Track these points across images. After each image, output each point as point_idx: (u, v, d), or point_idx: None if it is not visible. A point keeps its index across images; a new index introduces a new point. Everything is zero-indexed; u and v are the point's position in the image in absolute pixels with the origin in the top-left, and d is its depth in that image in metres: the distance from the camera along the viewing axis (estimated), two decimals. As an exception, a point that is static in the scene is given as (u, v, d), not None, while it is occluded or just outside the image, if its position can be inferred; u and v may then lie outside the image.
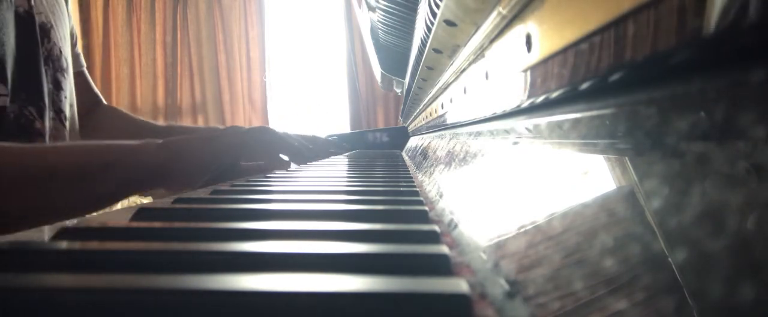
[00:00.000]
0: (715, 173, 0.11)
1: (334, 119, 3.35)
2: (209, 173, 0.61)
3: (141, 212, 0.29)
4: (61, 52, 0.78)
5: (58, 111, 0.76)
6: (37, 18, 0.73)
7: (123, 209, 0.33)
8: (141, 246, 0.21)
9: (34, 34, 0.72)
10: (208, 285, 0.15)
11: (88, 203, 0.54)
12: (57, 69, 0.77)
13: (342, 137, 1.63)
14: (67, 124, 0.78)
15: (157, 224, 0.27)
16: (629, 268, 0.13)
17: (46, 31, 0.75)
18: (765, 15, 0.10)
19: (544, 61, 0.22)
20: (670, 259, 0.12)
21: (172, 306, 0.15)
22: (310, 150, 0.81)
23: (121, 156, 0.57)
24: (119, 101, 3.13)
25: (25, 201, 0.50)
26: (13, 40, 0.68)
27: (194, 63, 3.25)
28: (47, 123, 0.72)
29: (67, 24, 0.84)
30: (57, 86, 0.76)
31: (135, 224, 0.27)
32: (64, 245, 0.21)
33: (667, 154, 0.13)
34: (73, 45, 0.89)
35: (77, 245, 0.21)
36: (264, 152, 0.67)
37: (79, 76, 0.91)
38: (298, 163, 0.78)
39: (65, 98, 0.78)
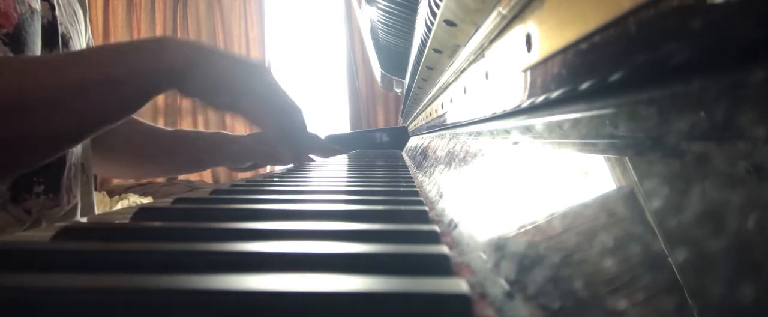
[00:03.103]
0: (715, 173, 0.11)
1: (334, 119, 3.35)
2: (229, 96, 0.59)
3: (141, 212, 0.29)
4: None
5: None
6: (59, 28, 0.75)
7: (123, 209, 0.33)
8: (141, 246, 0.21)
9: (56, 45, 0.74)
10: (209, 285, 0.15)
11: (114, 111, 0.53)
12: None
13: (340, 138, 1.62)
14: None
15: (157, 224, 0.27)
16: (629, 268, 0.13)
17: (66, 41, 0.77)
18: (765, 15, 0.10)
19: (544, 61, 0.22)
20: (670, 259, 0.12)
21: (172, 306, 0.15)
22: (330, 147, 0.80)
23: (144, 56, 0.55)
24: (119, 101, 3.13)
25: (55, 121, 0.48)
26: (40, 50, 0.70)
27: (194, 63, 3.25)
28: None
29: (83, 34, 0.85)
30: None
31: (135, 224, 0.27)
32: (64, 245, 0.21)
33: (667, 154, 0.13)
34: None
35: (77, 245, 0.21)
36: (290, 134, 0.64)
37: None
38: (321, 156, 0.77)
39: None
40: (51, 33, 0.73)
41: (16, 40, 0.65)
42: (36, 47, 0.68)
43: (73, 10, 0.82)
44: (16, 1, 0.66)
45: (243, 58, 0.63)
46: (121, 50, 0.57)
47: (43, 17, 0.72)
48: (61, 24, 0.75)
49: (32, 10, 0.69)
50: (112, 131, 0.93)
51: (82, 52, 0.56)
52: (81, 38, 0.83)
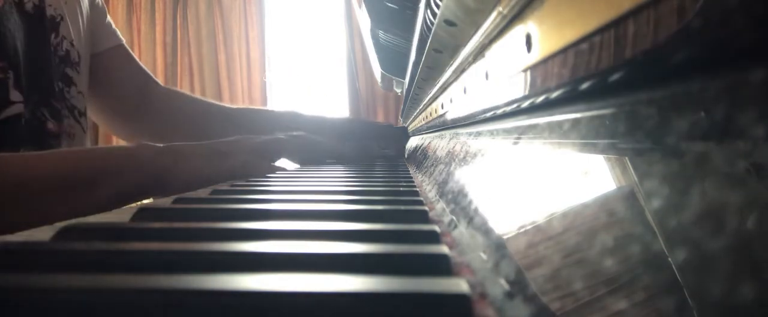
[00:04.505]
0: (715, 172, 0.11)
1: (334, 119, 3.34)
2: (211, 185, 0.58)
3: (141, 212, 0.29)
4: (72, 45, 0.74)
5: (72, 108, 0.73)
6: (47, 11, 0.70)
7: (123, 209, 0.33)
8: (141, 246, 0.21)
9: (44, 31, 0.69)
10: (208, 285, 0.15)
11: (79, 215, 0.51)
12: (67, 64, 0.73)
13: None
14: (83, 120, 0.75)
15: (157, 225, 0.27)
16: (629, 268, 0.13)
17: (56, 24, 0.72)
18: (765, 15, 0.10)
19: (544, 61, 0.22)
20: (670, 259, 0.12)
21: (172, 306, 0.15)
22: (347, 147, 0.75)
23: (114, 163, 0.53)
24: (119, 101, 3.13)
25: (12, 216, 0.46)
26: (23, 42, 0.65)
27: (194, 63, 3.25)
28: (64, 122, 0.69)
29: (84, 8, 0.78)
30: (67, 82, 0.73)
31: (135, 224, 0.27)
32: (64, 245, 0.21)
33: (667, 154, 0.13)
34: (103, 17, 0.83)
35: (77, 245, 0.21)
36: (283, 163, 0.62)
37: (118, 49, 0.84)
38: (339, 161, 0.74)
39: (79, 92, 0.75)
40: (38, 18, 0.68)
41: None
42: (16, 41, 0.64)
43: None
44: None
45: (220, 143, 0.60)
46: (98, 158, 0.54)
47: (27, 2, 0.67)
48: (49, 5, 0.70)
49: (10, 3, 0.64)
50: (156, 112, 0.85)
51: (53, 156, 0.53)
52: (80, 14, 0.77)
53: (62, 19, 0.73)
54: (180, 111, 0.87)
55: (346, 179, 0.54)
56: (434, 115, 0.79)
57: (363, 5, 1.39)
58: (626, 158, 0.15)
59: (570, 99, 0.21)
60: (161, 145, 0.56)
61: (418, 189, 0.41)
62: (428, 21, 0.53)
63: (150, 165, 0.53)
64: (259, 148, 0.62)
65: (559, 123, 0.22)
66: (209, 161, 0.57)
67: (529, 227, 0.19)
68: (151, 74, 0.90)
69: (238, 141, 0.62)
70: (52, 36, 0.71)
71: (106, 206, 0.52)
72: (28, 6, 0.68)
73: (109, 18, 0.86)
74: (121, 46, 0.86)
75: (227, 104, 0.92)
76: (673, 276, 0.11)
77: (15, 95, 0.63)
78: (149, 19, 3.26)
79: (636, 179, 0.14)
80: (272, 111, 0.93)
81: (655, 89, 0.15)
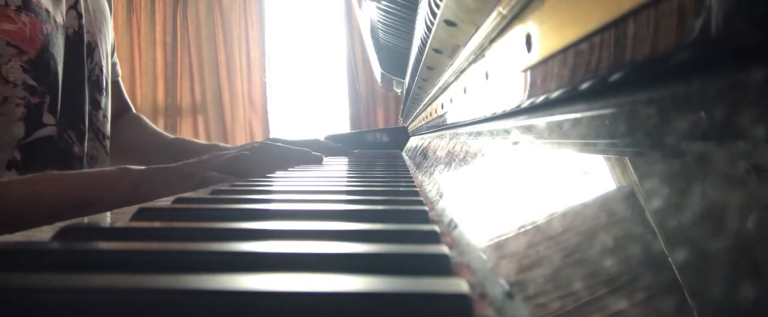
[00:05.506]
0: (715, 173, 0.11)
1: (334, 119, 3.35)
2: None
3: (141, 212, 0.29)
4: (101, 71, 0.78)
5: (97, 131, 0.76)
6: (85, 37, 0.73)
7: (123, 210, 0.33)
8: (141, 246, 0.21)
9: (81, 56, 0.72)
10: (208, 285, 0.15)
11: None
12: (96, 89, 0.76)
13: (340, 138, 1.62)
14: (107, 143, 0.78)
15: (157, 224, 0.27)
16: (629, 268, 0.13)
17: (91, 51, 0.75)
18: (765, 15, 0.10)
19: (544, 61, 0.22)
20: (670, 259, 0.12)
21: (172, 306, 0.15)
22: (314, 155, 0.78)
23: (95, 194, 0.53)
24: (119, 101, 3.13)
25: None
26: (62, 67, 0.68)
27: (194, 63, 3.25)
28: (86, 145, 0.72)
29: (110, 38, 0.84)
30: (95, 106, 0.76)
31: (135, 224, 0.27)
32: (64, 245, 0.21)
33: (667, 154, 0.13)
34: (111, 54, 0.90)
35: (77, 245, 0.21)
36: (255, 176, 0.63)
37: (113, 85, 0.90)
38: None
39: (104, 116, 0.78)
40: (76, 44, 0.72)
41: (38, 64, 0.63)
42: (58, 66, 0.66)
43: (102, 14, 0.80)
44: (43, 21, 0.64)
45: (185, 165, 0.60)
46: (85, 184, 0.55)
47: (68, 27, 0.70)
48: (87, 32, 0.74)
49: (57, 26, 0.67)
50: (114, 136, 0.92)
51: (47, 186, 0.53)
52: (107, 43, 0.82)
53: (96, 46, 0.77)
54: (132, 139, 0.94)
55: (347, 179, 0.54)
56: (434, 115, 0.79)
57: (363, 5, 1.39)
58: (626, 158, 0.15)
59: (570, 99, 0.21)
60: (138, 170, 0.56)
61: (418, 189, 0.41)
62: (428, 21, 0.53)
63: (131, 195, 0.54)
64: (221, 166, 0.62)
65: (559, 123, 0.22)
66: (178, 184, 0.57)
67: (529, 227, 0.19)
68: (129, 103, 0.98)
69: (203, 161, 0.63)
70: (88, 61, 0.74)
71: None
72: (70, 31, 0.71)
73: (116, 54, 0.93)
74: (117, 82, 0.94)
75: (169, 135, 0.99)
76: (673, 275, 0.11)
77: (48, 118, 0.65)
78: (149, 19, 3.26)
79: (636, 179, 0.14)
80: (199, 143, 0.99)
81: (655, 88, 0.15)
